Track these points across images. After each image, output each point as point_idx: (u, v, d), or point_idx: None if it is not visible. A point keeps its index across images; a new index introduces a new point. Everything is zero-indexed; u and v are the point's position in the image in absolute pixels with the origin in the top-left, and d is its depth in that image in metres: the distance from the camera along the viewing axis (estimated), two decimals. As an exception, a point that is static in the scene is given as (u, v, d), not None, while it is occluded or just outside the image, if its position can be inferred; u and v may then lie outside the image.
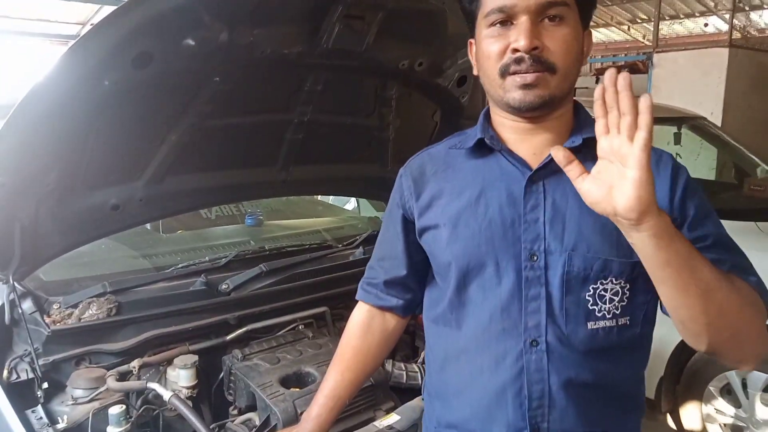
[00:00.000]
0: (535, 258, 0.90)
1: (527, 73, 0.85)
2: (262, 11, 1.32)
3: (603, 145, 0.74)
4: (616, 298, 0.90)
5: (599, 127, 0.74)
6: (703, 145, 4.30)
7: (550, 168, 0.90)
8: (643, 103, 0.70)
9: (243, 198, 2.15)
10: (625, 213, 0.73)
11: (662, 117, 3.97)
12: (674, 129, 3.77)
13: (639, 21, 10.89)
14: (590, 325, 0.90)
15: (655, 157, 0.90)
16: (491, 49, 0.88)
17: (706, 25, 10.12)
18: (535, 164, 0.92)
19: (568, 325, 0.90)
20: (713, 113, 5.84)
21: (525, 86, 0.86)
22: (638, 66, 8.25)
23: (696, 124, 3.88)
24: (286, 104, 1.69)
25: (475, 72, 0.96)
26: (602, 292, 0.90)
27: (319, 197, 3.09)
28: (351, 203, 3.40)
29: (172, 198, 1.63)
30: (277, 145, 1.77)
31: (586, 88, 9.30)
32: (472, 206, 0.94)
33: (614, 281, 0.89)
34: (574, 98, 0.97)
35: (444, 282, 0.99)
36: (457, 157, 1.00)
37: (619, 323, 0.91)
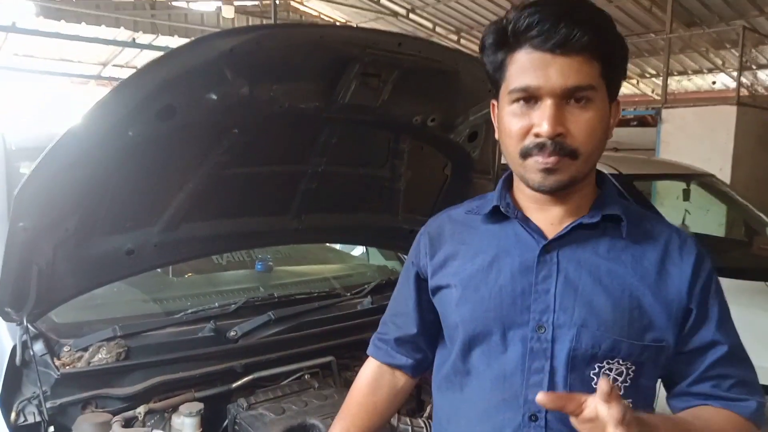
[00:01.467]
0: (543, 330, 0.89)
1: (549, 158, 0.84)
2: (282, 68, 1.37)
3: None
4: (620, 379, 0.89)
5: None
6: (713, 202, 4.32)
7: (565, 239, 0.90)
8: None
9: (256, 245, 2.17)
10: None
11: (671, 173, 4.03)
12: (683, 185, 3.80)
13: (648, 76, 11.10)
14: None
15: (679, 241, 0.93)
16: (513, 128, 0.87)
17: (713, 83, 10.28)
18: (551, 234, 0.92)
19: None
20: (722, 170, 5.89)
21: (546, 170, 0.85)
22: (647, 120, 8.36)
23: (705, 181, 3.92)
24: (302, 155, 1.73)
25: (496, 135, 0.95)
26: (607, 371, 0.88)
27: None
28: (358, 249, 3.42)
29: (186, 244, 1.66)
30: (290, 194, 1.81)
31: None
32: (484, 271, 0.93)
33: (621, 362, 0.88)
34: (601, 170, 0.98)
35: (451, 344, 0.99)
36: (474, 220, 1.00)
37: None
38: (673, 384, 0.96)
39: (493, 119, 0.98)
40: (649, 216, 0.97)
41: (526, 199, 0.95)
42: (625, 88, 11.86)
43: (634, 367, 0.89)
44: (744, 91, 7.32)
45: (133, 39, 10.62)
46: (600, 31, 0.83)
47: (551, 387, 0.88)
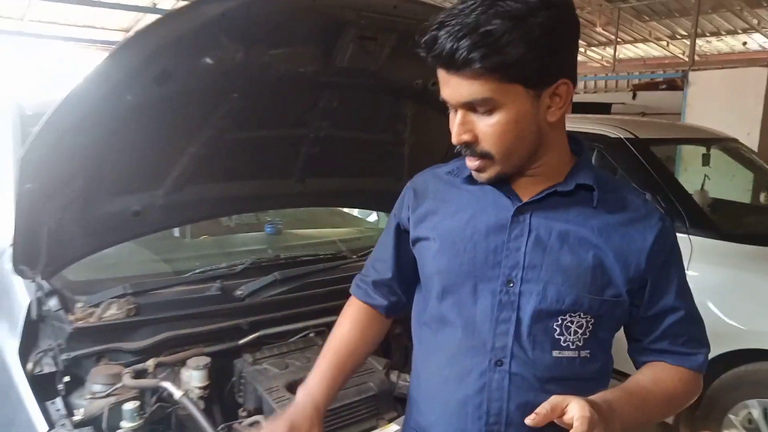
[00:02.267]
0: (512, 284, 0.95)
1: (471, 160, 0.93)
2: (277, 33, 1.39)
3: None
4: (580, 331, 0.95)
5: None
6: (738, 167, 4.22)
7: (539, 204, 0.96)
8: None
9: (259, 208, 2.22)
10: None
11: (691, 138, 3.94)
12: (703, 150, 3.72)
13: (678, 37, 10.72)
14: (555, 353, 0.95)
15: (645, 211, 0.99)
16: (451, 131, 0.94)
17: (744, 43, 9.90)
18: (526, 198, 0.97)
19: (534, 351, 0.95)
20: (750, 134, 5.72)
21: (475, 170, 0.94)
22: (677, 83, 8.12)
23: (728, 146, 3.82)
24: (302, 119, 1.76)
25: None
26: (569, 324, 0.95)
27: (345, 209, 3.15)
28: (374, 215, 3.45)
29: (191, 206, 1.71)
30: (293, 158, 1.84)
31: (623, 103, 9.22)
32: (461, 227, 0.99)
33: (582, 315, 0.95)
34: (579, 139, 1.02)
35: (428, 292, 1.05)
36: (456, 181, 1.05)
37: (581, 355, 0.96)
38: (634, 340, 1.05)
39: None
40: (621, 186, 1.03)
41: None
42: (654, 50, 11.51)
43: (593, 321, 0.95)
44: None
45: (154, 4, 10.62)
46: (493, 45, 0.82)
47: (517, 336, 0.95)
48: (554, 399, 0.85)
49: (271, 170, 1.84)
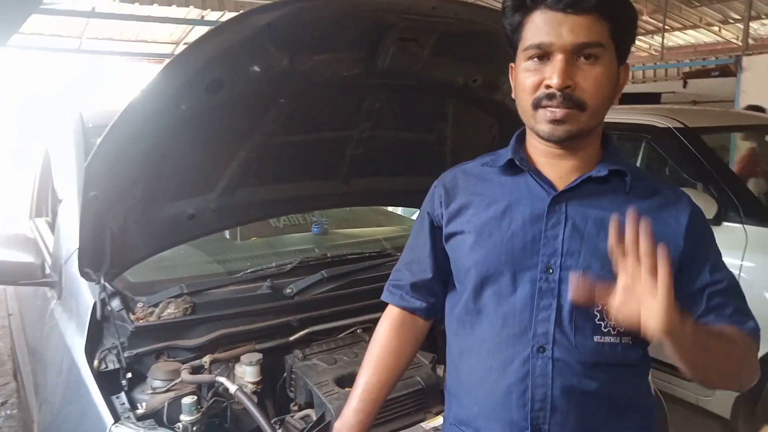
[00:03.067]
0: (551, 271, 0.97)
1: (558, 109, 0.92)
2: (320, 39, 1.43)
3: (626, 273, 0.83)
4: None
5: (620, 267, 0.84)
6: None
7: (574, 192, 0.99)
8: (661, 252, 0.80)
9: (307, 209, 2.28)
10: (654, 334, 0.80)
11: (744, 125, 3.80)
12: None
13: (731, 21, 10.29)
14: (596, 338, 0.96)
15: (675, 196, 1.02)
16: (527, 82, 0.95)
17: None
18: (560, 186, 1.00)
19: (576, 336, 0.96)
20: (809, 119, 5.47)
21: (555, 121, 0.93)
22: (730, 69, 7.83)
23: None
24: (347, 122, 1.80)
25: (513, 95, 1.03)
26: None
27: (389, 208, 3.19)
28: (417, 213, 3.47)
29: (242, 208, 1.78)
30: (338, 159, 1.89)
31: (673, 92, 8.93)
32: (497, 218, 1.01)
33: None
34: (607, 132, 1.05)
35: (462, 286, 1.07)
36: (488, 173, 1.08)
37: (623, 341, 0.97)
38: None
39: (510, 80, 1.05)
40: (649, 175, 1.07)
41: (537, 153, 1.03)
42: (705, 36, 11.07)
43: None
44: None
45: (202, 17, 10.93)
46: None
47: (558, 322, 0.96)
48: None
49: (317, 172, 1.89)
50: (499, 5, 1.06)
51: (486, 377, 1.01)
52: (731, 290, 0.99)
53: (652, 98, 8.14)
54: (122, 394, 1.46)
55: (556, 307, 0.96)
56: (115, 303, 1.59)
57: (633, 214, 0.83)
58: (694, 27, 10.69)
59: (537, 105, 0.94)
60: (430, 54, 1.62)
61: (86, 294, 1.64)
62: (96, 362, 1.50)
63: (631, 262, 0.82)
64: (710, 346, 0.90)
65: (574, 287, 0.88)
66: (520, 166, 1.02)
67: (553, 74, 0.91)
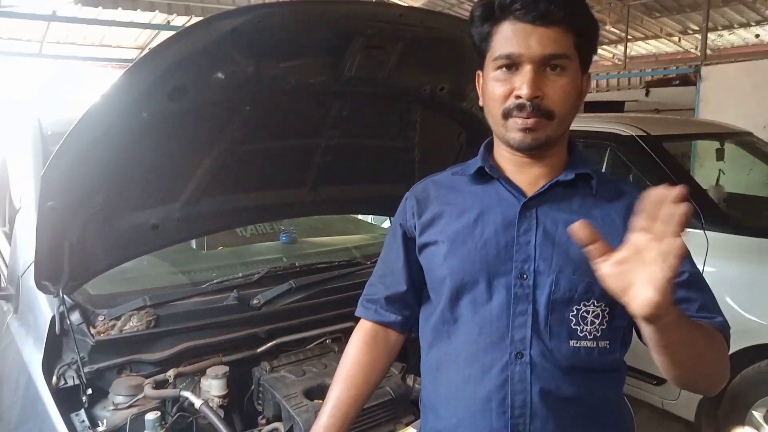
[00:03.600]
0: (525, 277, 0.97)
1: (528, 118, 0.94)
2: (286, 46, 1.41)
3: (637, 241, 0.75)
4: (597, 321, 0.97)
5: (640, 223, 0.75)
6: (754, 161, 4.18)
7: (543, 197, 1.00)
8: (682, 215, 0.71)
9: (275, 217, 2.25)
10: (640, 313, 0.74)
11: (704, 133, 3.91)
12: (717, 145, 3.69)
13: (690, 32, 10.63)
14: (572, 343, 0.97)
15: (638, 193, 0.94)
16: (496, 92, 0.97)
17: (757, 36, 9.78)
18: (530, 193, 1.01)
19: (552, 341, 0.97)
20: (766, 127, 5.66)
21: (525, 129, 0.95)
22: (690, 78, 8.05)
23: (742, 139, 3.79)
24: (314, 129, 1.78)
25: (480, 102, 1.05)
26: (584, 314, 0.97)
27: (359, 216, 3.18)
28: (387, 221, 3.47)
29: (207, 218, 1.74)
30: (306, 167, 1.87)
31: (636, 101, 9.15)
32: (470, 227, 1.02)
33: (596, 303, 0.97)
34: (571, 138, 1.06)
35: (437, 296, 1.07)
36: (459, 183, 1.09)
37: (600, 345, 0.97)
38: None
39: (477, 88, 1.06)
40: (614, 179, 1.08)
41: (506, 161, 1.04)
42: (666, 46, 11.41)
43: (608, 309, 0.97)
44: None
45: (168, 22, 10.79)
46: (573, 7, 0.94)
47: (534, 327, 0.97)
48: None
49: (284, 180, 1.86)
50: (467, 14, 1.06)
51: (465, 386, 1.01)
52: (695, 281, 0.98)
53: (616, 106, 8.31)
54: (82, 411, 1.42)
55: (531, 312, 0.97)
56: (75, 316, 1.54)
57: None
58: (656, 37, 11.02)
59: (507, 114, 0.96)
60: (396, 61, 1.61)
61: (44, 307, 1.59)
62: (54, 378, 1.45)
63: (654, 225, 0.73)
64: (691, 338, 0.86)
65: (576, 229, 0.79)
66: (490, 173, 1.04)
67: (522, 85, 0.93)
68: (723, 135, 3.70)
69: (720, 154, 3.66)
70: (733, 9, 9.49)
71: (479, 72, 1.05)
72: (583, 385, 0.97)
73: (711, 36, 9.45)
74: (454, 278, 1.01)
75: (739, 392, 2.58)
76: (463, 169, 1.10)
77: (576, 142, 1.07)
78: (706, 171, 4.49)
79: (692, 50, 10.82)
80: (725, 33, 10.23)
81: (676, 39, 10.91)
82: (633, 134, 3.15)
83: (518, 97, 0.93)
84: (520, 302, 0.97)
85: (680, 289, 0.95)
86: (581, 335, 0.97)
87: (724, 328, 0.96)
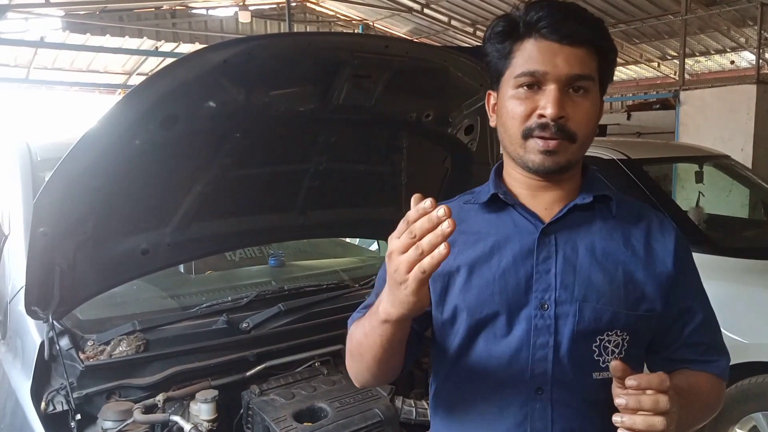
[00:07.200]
0: (546, 307, 0.92)
1: (550, 140, 0.90)
2: (276, 75, 1.46)
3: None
4: (617, 351, 0.94)
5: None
6: (733, 183, 4.28)
7: (561, 222, 0.96)
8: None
9: (264, 241, 2.27)
10: None
11: (683, 156, 4.01)
12: (696, 168, 3.78)
13: (669, 57, 10.91)
14: (595, 375, 0.93)
15: (658, 220, 1.01)
16: (516, 110, 0.92)
17: (732, 62, 10.06)
18: (547, 218, 0.96)
19: (574, 374, 0.92)
20: (743, 150, 5.81)
21: (546, 152, 0.91)
22: (670, 102, 8.25)
23: (720, 162, 3.89)
24: (303, 155, 1.82)
25: (492, 123, 1.01)
26: (606, 344, 0.93)
27: (347, 239, 3.20)
28: (375, 244, 3.50)
29: (197, 243, 1.76)
30: (295, 191, 1.90)
31: (618, 124, 9.33)
32: (486, 256, 0.96)
33: (618, 333, 0.93)
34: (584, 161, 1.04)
35: (453, 328, 0.98)
36: (470, 211, 1.02)
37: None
38: (654, 353, 1.03)
39: (487, 108, 1.02)
40: (629, 199, 1.05)
41: (519, 186, 0.99)
42: (647, 71, 11.68)
43: (628, 338, 0.94)
44: (765, 69, 7.17)
45: (156, 48, 10.86)
46: (599, 30, 0.93)
47: (556, 361, 0.92)
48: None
49: (273, 204, 1.89)
50: (453, 41, 1.06)
51: (480, 422, 0.96)
52: (708, 323, 1.00)
53: (599, 130, 8.46)
54: (70, 437, 1.41)
55: (553, 344, 0.92)
56: (64, 342, 1.54)
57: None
58: (636, 62, 11.28)
59: (528, 134, 0.91)
60: (383, 90, 1.66)
61: (33, 333, 1.59)
62: (43, 404, 1.45)
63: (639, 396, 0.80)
64: (693, 419, 0.90)
65: (614, 366, 0.82)
66: (504, 200, 0.98)
67: (547, 104, 0.89)
68: (702, 158, 3.80)
69: (699, 177, 3.75)
70: (709, 36, 9.78)
71: (490, 92, 1.00)
72: (606, 418, 0.86)
73: (689, 61, 9.69)
74: (473, 312, 0.95)
75: (723, 410, 2.59)
76: (475, 197, 1.04)
77: (588, 163, 1.03)
78: (687, 193, 4.59)
79: (671, 75, 11.10)
80: (702, 59, 10.52)
81: (655, 64, 11.18)
82: (614, 158, 3.23)
83: (542, 116, 0.89)
84: (540, 334, 0.92)
85: (693, 335, 0.98)
86: (603, 366, 0.92)
87: (724, 373, 0.99)
